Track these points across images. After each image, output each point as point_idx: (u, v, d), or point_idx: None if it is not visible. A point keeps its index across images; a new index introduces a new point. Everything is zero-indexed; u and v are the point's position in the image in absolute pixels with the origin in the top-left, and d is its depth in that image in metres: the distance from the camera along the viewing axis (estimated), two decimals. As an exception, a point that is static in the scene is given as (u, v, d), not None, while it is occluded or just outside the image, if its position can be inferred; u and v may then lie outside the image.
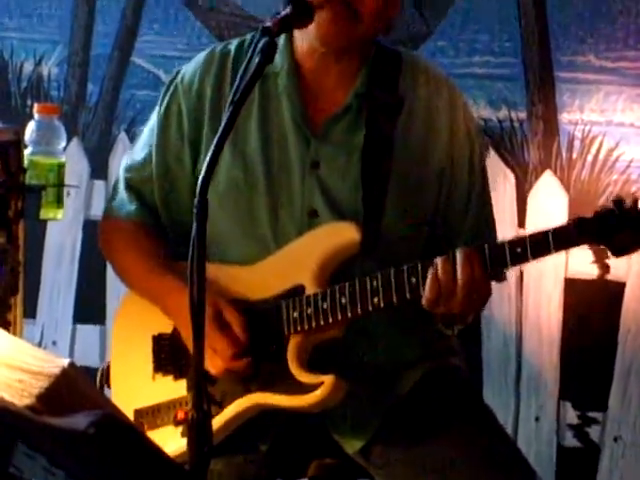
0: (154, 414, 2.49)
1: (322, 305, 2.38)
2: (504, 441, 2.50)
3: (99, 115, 4.08)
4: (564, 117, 3.63)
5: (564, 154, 3.62)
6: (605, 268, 3.36)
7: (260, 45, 2.11)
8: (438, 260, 2.28)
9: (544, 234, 2.22)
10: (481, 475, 2.38)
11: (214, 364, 2.41)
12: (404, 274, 2.32)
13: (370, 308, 2.33)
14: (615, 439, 3.60)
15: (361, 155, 2.49)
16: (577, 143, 3.61)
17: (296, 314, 2.40)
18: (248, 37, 2.58)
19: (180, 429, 2.36)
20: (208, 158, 1.99)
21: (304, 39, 2.49)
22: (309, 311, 2.39)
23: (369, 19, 2.42)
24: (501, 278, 2.41)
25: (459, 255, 2.26)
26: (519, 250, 2.23)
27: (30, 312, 3.80)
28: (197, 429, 1.89)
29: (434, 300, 2.29)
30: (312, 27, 2.38)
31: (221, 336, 2.40)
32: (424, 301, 2.29)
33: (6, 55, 4.14)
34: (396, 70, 2.55)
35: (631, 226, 2.16)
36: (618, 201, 2.17)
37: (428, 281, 2.29)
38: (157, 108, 2.64)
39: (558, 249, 2.22)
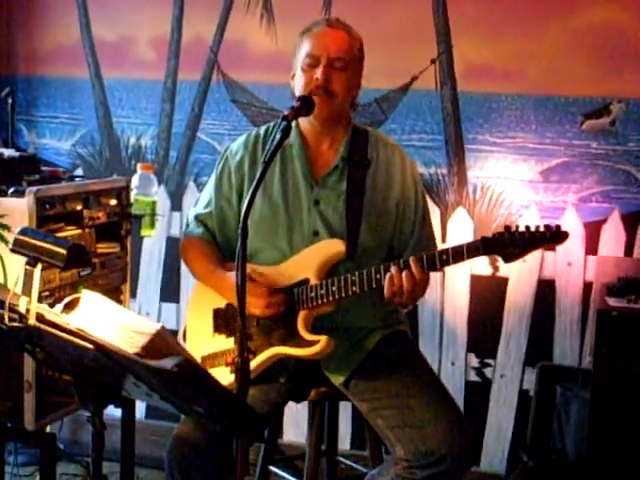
0: (213, 359, 2.79)
1: (320, 291, 2.67)
2: (433, 376, 2.83)
3: (176, 171, 4.42)
4: (470, 173, 4.00)
5: (471, 197, 4.01)
6: (496, 268, 3.94)
7: (281, 127, 2.42)
8: (392, 266, 2.57)
9: (460, 247, 2.51)
10: (420, 394, 2.67)
11: (257, 306, 2.65)
12: (372, 273, 2.60)
13: (350, 293, 2.63)
14: (501, 376, 4.02)
15: (345, 196, 2.80)
16: (478, 190, 4.00)
17: (304, 296, 2.70)
18: (272, 123, 2.90)
19: (229, 369, 2.54)
20: (248, 199, 2.23)
21: (305, 121, 2.81)
22: (312, 295, 2.68)
23: (341, 94, 2.73)
24: (437, 270, 2.61)
25: (406, 262, 2.56)
26: (444, 257, 2.53)
27: (132, 294, 4.06)
28: (240, 369, 2.15)
29: (391, 296, 2.58)
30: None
31: (255, 285, 2.66)
32: (385, 296, 2.54)
33: (119, 133, 4.48)
34: (365, 141, 2.85)
35: (514, 243, 2.46)
36: (507, 227, 2.49)
37: (386, 282, 2.52)
38: (214, 170, 2.98)
39: (470, 257, 2.51)
